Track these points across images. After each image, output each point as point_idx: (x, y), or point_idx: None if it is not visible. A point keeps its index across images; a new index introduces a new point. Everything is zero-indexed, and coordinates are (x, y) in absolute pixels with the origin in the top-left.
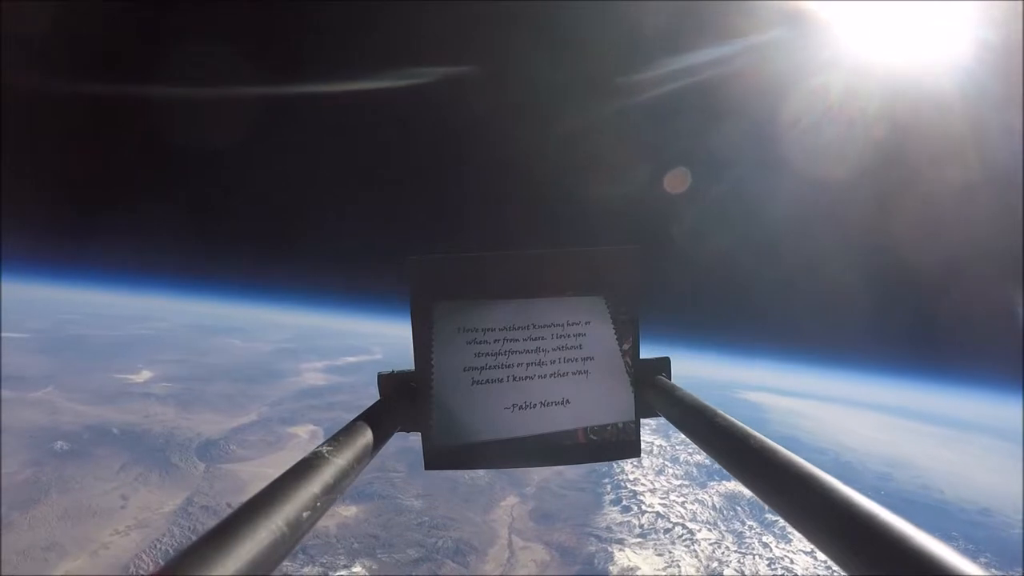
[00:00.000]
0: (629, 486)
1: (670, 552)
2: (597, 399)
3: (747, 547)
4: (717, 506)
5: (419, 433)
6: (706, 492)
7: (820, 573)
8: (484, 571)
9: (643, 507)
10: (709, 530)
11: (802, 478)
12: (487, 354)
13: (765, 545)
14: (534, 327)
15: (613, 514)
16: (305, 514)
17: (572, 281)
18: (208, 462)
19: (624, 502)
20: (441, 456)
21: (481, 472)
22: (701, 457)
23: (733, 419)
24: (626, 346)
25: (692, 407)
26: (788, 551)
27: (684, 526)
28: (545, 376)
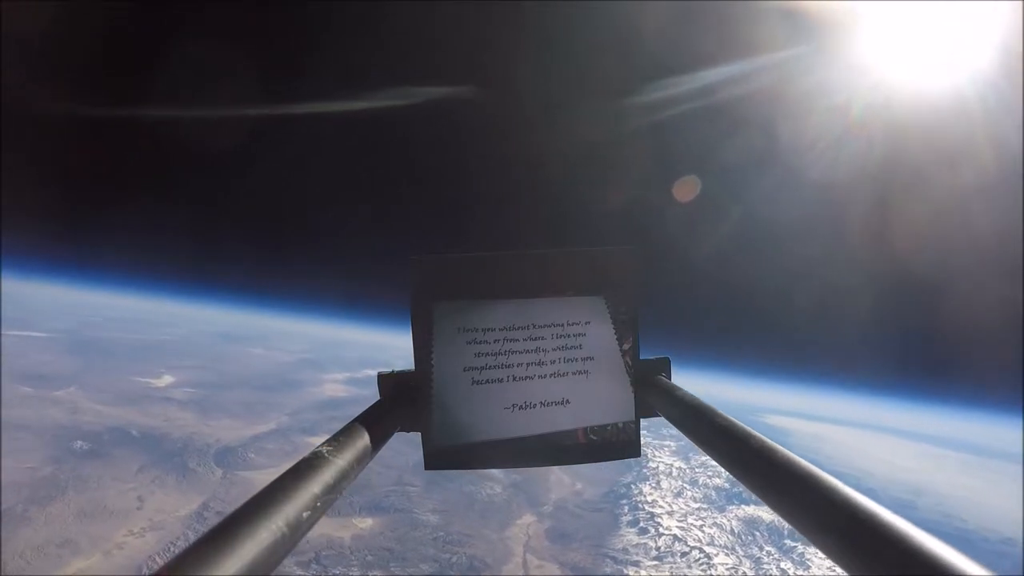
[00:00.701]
0: (647, 508)
1: None
2: (597, 399)
3: (764, 573)
4: (736, 531)
5: (419, 433)
6: (725, 516)
7: None
8: None
9: (660, 529)
10: (727, 555)
11: (802, 478)
12: (487, 354)
13: (783, 572)
14: (534, 327)
15: (630, 536)
16: (305, 514)
17: (572, 281)
18: (226, 468)
19: (641, 524)
20: (441, 456)
21: (498, 489)
22: (720, 480)
23: (733, 419)
24: (626, 346)
25: (692, 407)
26: None
27: (701, 550)
28: (545, 376)
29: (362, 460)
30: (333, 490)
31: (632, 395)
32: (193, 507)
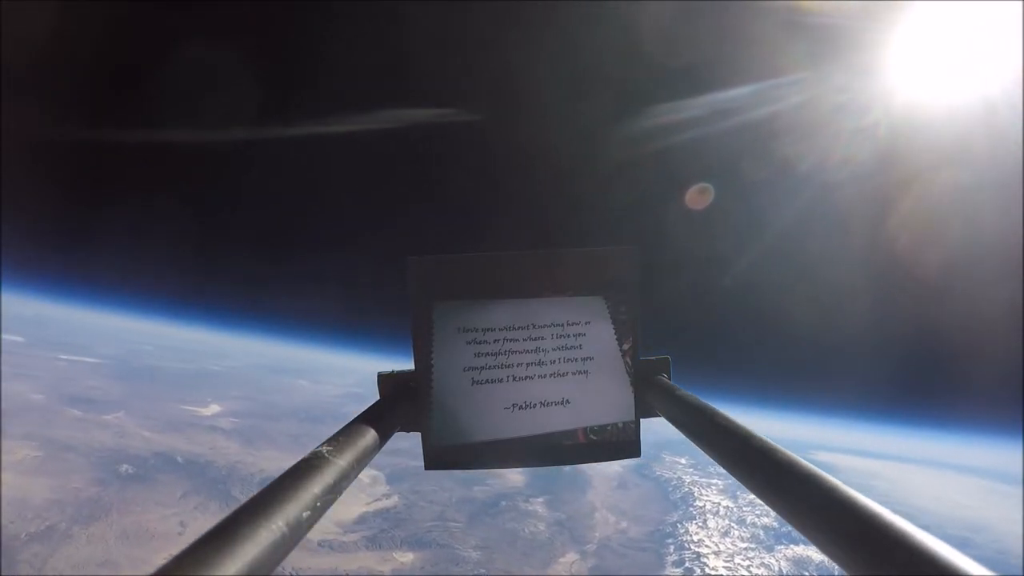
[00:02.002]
0: (693, 547)
1: None
2: (597, 399)
3: None
4: (784, 571)
5: (419, 433)
6: (773, 556)
7: None
8: None
9: (707, 569)
10: None
11: (803, 478)
12: (487, 354)
13: None
14: (534, 327)
15: None
16: (305, 514)
17: (572, 281)
18: None
19: (687, 563)
20: (441, 456)
21: (542, 526)
22: (769, 519)
23: (734, 419)
24: (626, 346)
25: (692, 407)
26: None
27: None
28: (545, 376)
29: (362, 460)
30: (333, 490)
31: (632, 395)
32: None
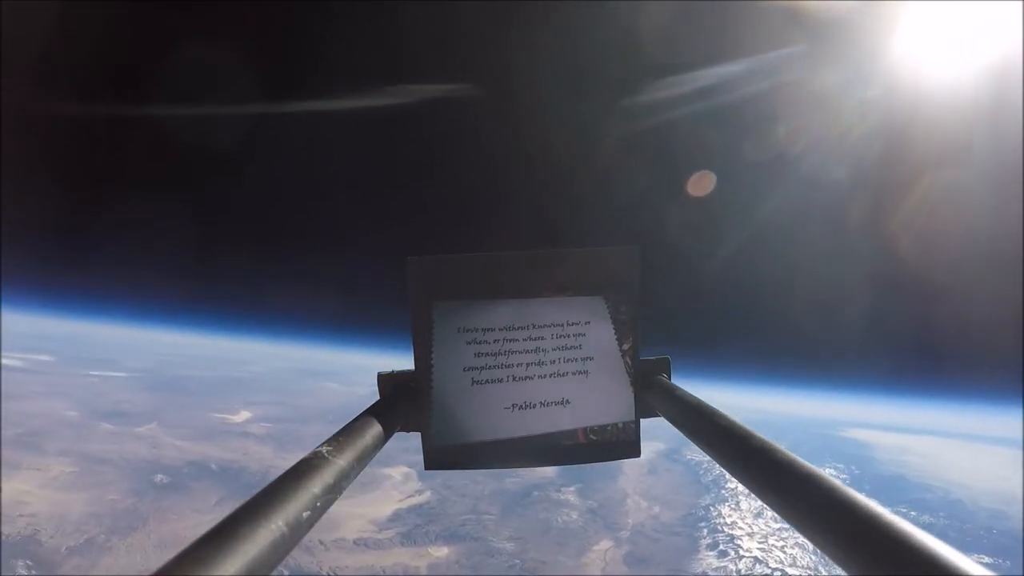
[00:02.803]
0: (726, 530)
1: None
2: (597, 399)
3: None
4: (818, 551)
5: (420, 433)
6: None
7: None
8: None
9: (740, 552)
10: None
11: (802, 478)
12: (487, 354)
13: None
14: (534, 327)
15: (709, 559)
16: (305, 514)
17: (572, 281)
18: None
19: (721, 546)
20: (441, 456)
21: (575, 515)
22: None
23: (734, 419)
24: (626, 346)
25: (692, 407)
26: None
27: (783, 572)
28: (545, 376)
29: (362, 460)
30: (333, 490)
31: (632, 395)
32: None
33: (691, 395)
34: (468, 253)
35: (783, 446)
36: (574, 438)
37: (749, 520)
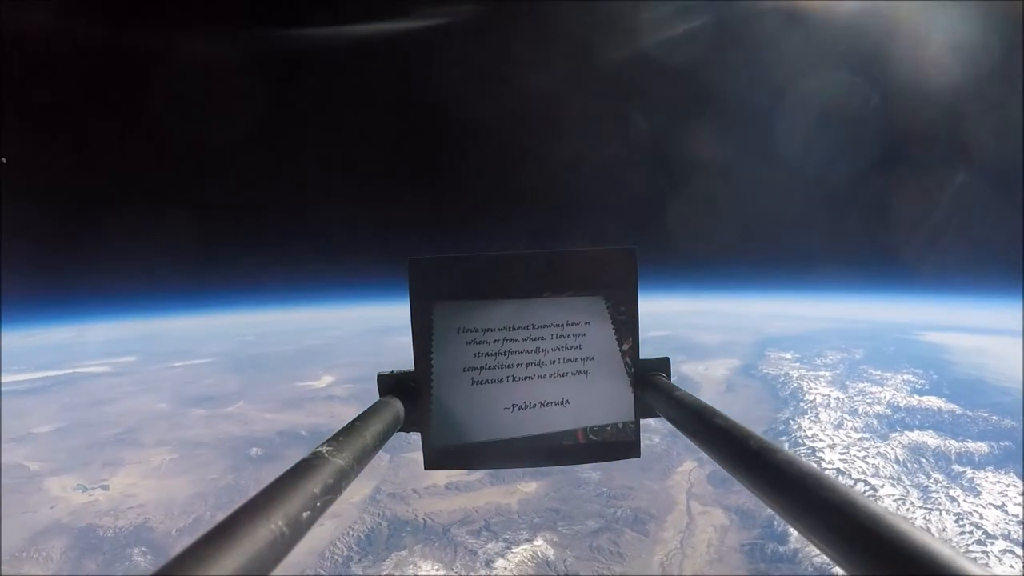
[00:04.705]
0: (807, 442)
1: None
2: (597, 399)
3: (933, 502)
4: (900, 459)
5: (419, 433)
6: (888, 445)
7: (1012, 528)
8: (663, 538)
9: (823, 464)
10: (893, 485)
11: (802, 478)
12: (487, 354)
13: (952, 499)
14: (534, 327)
15: None
16: (305, 514)
17: (572, 281)
18: (392, 453)
19: None
20: (441, 456)
21: (656, 439)
22: (881, 407)
23: (733, 419)
24: (626, 346)
25: (692, 407)
26: (977, 505)
27: (866, 482)
28: (545, 376)
29: (362, 460)
30: (333, 490)
31: (632, 395)
32: (366, 492)
33: (691, 395)
34: (468, 254)
35: (783, 446)
36: (574, 438)
37: (830, 432)
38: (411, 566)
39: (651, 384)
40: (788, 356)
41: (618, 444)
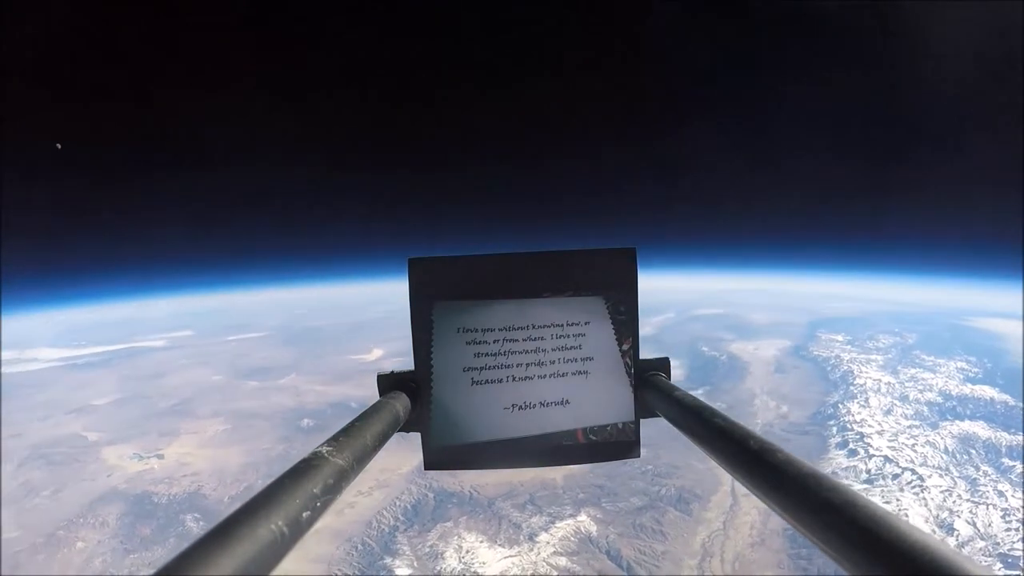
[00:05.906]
0: (855, 428)
1: (898, 500)
2: (597, 399)
3: (980, 496)
4: (950, 449)
5: (419, 433)
6: (938, 433)
7: None
8: (706, 519)
9: (870, 451)
10: (940, 476)
11: (802, 478)
12: (487, 354)
13: (1000, 494)
14: (534, 327)
15: (839, 458)
16: (305, 514)
17: (572, 281)
18: None
19: (850, 445)
20: (440, 456)
21: None
22: (932, 395)
23: (733, 419)
24: (626, 346)
25: (692, 407)
26: None
27: (914, 471)
28: (545, 376)
29: (362, 460)
30: (333, 490)
31: (632, 395)
32: (414, 464)
33: (691, 395)
34: (468, 254)
35: (783, 446)
36: (574, 438)
37: (879, 418)
38: (456, 537)
39: (651, 384)
40: (840, 338)
41: (618, 444)
